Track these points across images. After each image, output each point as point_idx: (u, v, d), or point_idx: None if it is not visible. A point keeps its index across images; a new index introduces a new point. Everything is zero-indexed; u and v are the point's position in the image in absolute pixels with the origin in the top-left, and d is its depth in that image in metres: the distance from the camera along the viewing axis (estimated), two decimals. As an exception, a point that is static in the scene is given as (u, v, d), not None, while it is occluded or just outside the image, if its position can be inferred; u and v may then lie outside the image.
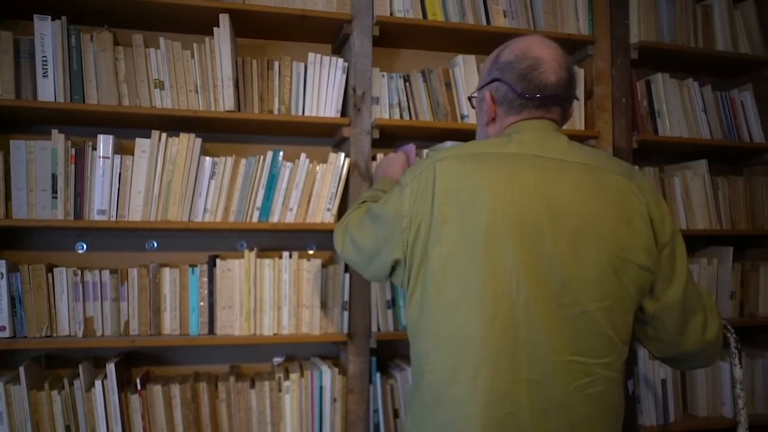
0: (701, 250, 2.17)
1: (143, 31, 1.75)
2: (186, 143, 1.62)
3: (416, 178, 1.03)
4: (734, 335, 1.32)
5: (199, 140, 1.63)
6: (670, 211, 1.04)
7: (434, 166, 1.01)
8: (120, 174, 1.61)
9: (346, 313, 1.70)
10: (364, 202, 1.29)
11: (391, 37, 1.89)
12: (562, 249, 0.95)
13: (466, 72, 1.85)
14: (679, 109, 2.04)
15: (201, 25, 1.74)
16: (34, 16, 1.57)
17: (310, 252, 1.88)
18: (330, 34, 1.87)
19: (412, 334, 1.05)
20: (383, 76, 1.82)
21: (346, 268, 1.71)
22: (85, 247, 1.75)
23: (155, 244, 1.78)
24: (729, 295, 2.04)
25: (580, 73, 1.96)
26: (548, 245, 0.94)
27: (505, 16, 1.91)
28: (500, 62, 1.08)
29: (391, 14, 1.81)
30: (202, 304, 1.66)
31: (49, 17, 1.57)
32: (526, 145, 1.02)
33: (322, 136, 1.92)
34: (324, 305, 1.70)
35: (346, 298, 1.70)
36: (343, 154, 1.72)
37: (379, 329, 1.73)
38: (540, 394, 0.94)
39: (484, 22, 1.88)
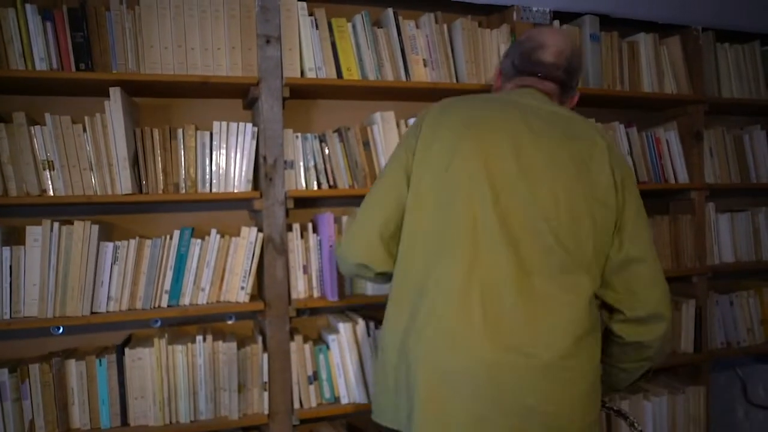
0: (628, 286, 2.19)
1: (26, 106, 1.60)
2: (81, 233, 1.52)
3: (412, 128, 1.21)
4: (639, 428, 1.34)
5: (95, 227, 1.52)
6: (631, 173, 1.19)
7: (427, 113, 1.21)
8: (11, 267, 1.50)
9: (266, 394, 1.65)
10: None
11: (305, 93, 1.79)
12: (525, 174, 1.09)
13: (385, 129, 1.77)
14: (604, 152, 2.01)
15: (92, 99, 1.61)
16: None
17: (230, 322, 1.81)
18: (239, 92, 1.76)
19: None
20: (297, 137, 1.72)
21: (265, 348, 1.66)
22: (-18, 337, 1.64)
23: (61, 329, 1.68)
24: (653, 334, 2.08)
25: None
26: (510, 168, 1.09)
27: (425, 66, 1.83)
28: (516, 42, 1.31)
29: (302, 73, 1.70)
30: (112, 395, 1.58)
31: None
32: (509, 95, 1.22)
33: (234, 207, 1.83)
34: (242, 387, 1.65)
35: (266, 378, 1.65)
36: (255, 229, 1.64)
37: (301, 406, 1.69)
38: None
39: (403, 73, 1.79)
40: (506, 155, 1.10)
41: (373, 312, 1.88)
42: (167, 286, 1.60)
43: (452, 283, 1.07)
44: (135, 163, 1.59)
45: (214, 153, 1.64)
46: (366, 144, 1.76)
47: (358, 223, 1.21)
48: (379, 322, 1.80)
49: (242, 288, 1.65)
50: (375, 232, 1.17)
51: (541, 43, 1.23)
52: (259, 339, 1.67)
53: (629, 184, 1.16)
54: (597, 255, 1.12)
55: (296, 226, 1.71)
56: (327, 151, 1.74)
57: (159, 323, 1.75)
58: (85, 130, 1.55)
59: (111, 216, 1.72)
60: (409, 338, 1.10)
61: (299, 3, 1.69)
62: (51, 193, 1.52)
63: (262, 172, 1.66)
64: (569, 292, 1.08)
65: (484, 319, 1.04)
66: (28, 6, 1.50)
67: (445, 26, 1.85)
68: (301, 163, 1.73)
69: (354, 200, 1.80)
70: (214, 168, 1.64)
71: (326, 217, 1.68)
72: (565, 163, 1.10)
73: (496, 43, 1.88)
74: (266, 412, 1.65)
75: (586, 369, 1.08)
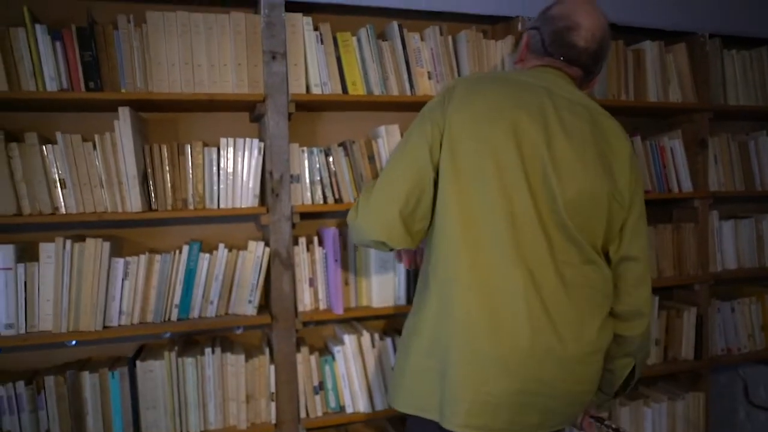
0: (631, 293, 2.21)
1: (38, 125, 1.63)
2: (93, 250, 1.55)
3: (437, 101, 1.20)
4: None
5: (107, 245, 1.56)
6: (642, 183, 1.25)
7: (454, 87, 1.19)
8: (26, 283, 1.55)
9: (273, 404, 1.70)
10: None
11: (310, 106, 1.81)
12: (553, 164, 1.12)
13: (390, 143, 1.79)
14: (609, 161, 2.02)
15: (102, 115, 1.64)
16: None
17: (238, 332, 1.86)
18: (245, 106, 1.78)
19: None
20: (303, 151, 1.74)
21: (272, 359, 1.70)
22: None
23: (74, 341, 1.73)
24: (654, 342, 2.10)
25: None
26: (543, 158, 1.12)
27: (430, 78, 1.84)
28: (546, 14, 1.26)
29: (308, 88, 1.71)
30: (125, 406, 1.63)
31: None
32: (538, 78, 1.20)
33: (241, 220, 1.86)
34: (250, 397, 1.70)
35: (273, 388, 1.69)
36: (262, 244, 1.67)
37: (308, 415, 1.74)
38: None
39: (408, 86, 1.80)
40: (539, 147, 1.12)
41: (378, 322, 1.92)
42: (177, 300, 1.64)
43: (494, 268, 1.11)
44: (144, 179, 1.62)
45: (221, 169, 1.67)
46: (371, 158, 1.78)
47: (376, 198, 1.19)
48: (384, 333, 1.84)
49: (250, 302, 1.69)
50: (395, 209, 1.16)
51: (576, 23, 1.20)
52: (267, 350, 1.71)
53: (639, 187, 1.22)
54: (603, 248, 1.21)
55: (302, 240, 1.74)
56: (332, 165, 1.76)
57: (169, 334, 1.80)
58: (95, 148, 1.58)
59: (121, 230, 1.76)
60: (446, 322, 1.14)
61: (305, 18, 1.70)
62: (63, 210, 1.56)
63: (268, 187, 1.68)
64: (593, 280, 1.17)
65: (528, 307, 1.10)
66: (38, 26, 1.52)
67: (449, 38, 1.85)
68: (307, 177, 1.75)
69: (359, 213, 1.83)
70: (221, 184, 1.67)
71: (331, 232, 1.71)
72: (593, 161, 1.14)
73: (500, 54, 1.88)
74: (273, 421, 1.70)
75: (603, 348, 1.19)
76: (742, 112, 2.24)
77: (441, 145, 1.16)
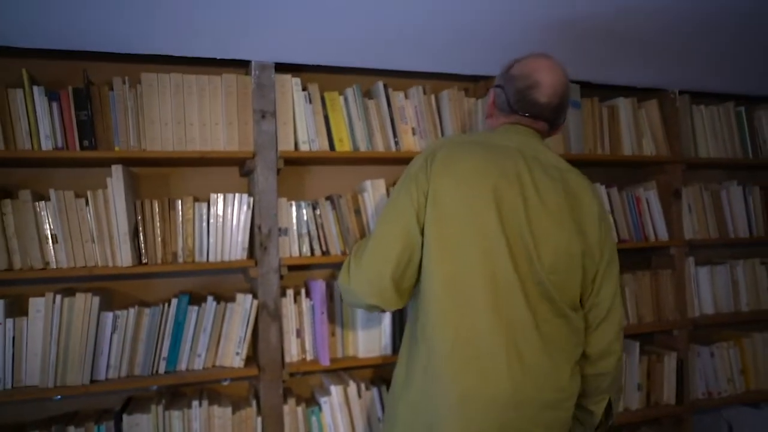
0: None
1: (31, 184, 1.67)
2: (82, 305, 1.57)
3: (421, 165, 1.25)
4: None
5: (96, 299, 1.58)
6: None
7: (436, 151, 1.25)
8: (14, 338, 1.56)
9: (259, 457, 1.70)
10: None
11: (298, 161, 1.87)
12: (530, 227, 1.18)
13: (375, 197, 1.85)
14: (587, 211, 2.09)
15: (95, 170, 1.68)
16: None
17: (225, 383, 1.87)
18: (236, 162, 1.83)
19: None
20: (291, 205, 1.79)
21: (259, 411, 1.71)
22: (-16, 403, 1.68)
23: (59, 396, 1.73)
24: (636, 387, 2.14)
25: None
26: (521, 222, 1.19)
27: (414, 134, 1.91)
28: (509, 74, 1.32)
29: (296, 146, 1.78)
30: (110, 460, 1.63)
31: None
32: (510, 140, 1.27)
33: (230, 272, 1.89)
34: (237, 450, 1.70)
35: (259, 441, 1.70)
36: (250, 297, 1.71)
37: (294, 467, 1.74)
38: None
39: (392, 142, 1.88)
40: (518, 210, 1.19)
41: (364, 371, 1.94)
42: (165, 352, 1.66)
43: (477, 330, 1.17)
44: (135, 233, 1.65)
45: (211, 223, 1.71)
46: (357, 211, 1.84)
47: (368, 263, 1.24)
48: (371, 382, 1.86)
49: (237, 354, 1.71)
50: (387, 275, 1.21)
51: (537, 82, 1.26)
52: (254, 402, 1.72)
53: (609, 239, 1.29)
54: (579, 298, 1.27)
55: (290, 292, 1.77)
56: (320, 219, 1.81)
57: (155, 387, 1.80)
58: (87, 204, 1.62)
59: (111, 282, 1.78)
60: (434, 379, 1.19)
61: (294, 79, 1.78)
62: (54, 265, 1.59)
63: (257, 240, 1.73)
64: (566, 333, 1.23)
65: (508, 365, 1.16)
66: (35, 87, 1.58)
67: (432, 96, 1.93)
68: (295, 230, 1.79)
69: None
70: (211, 238, 1.71)
71: (319, 284, 1.75)
72: (567, 221, 1.22)
73: (481, 111, 1.97)
74: (260, 474, 1.70)
75: (575, 395, 1.26)
76: (713, 164, 2.34)
77: (426, 208, 1.22)
